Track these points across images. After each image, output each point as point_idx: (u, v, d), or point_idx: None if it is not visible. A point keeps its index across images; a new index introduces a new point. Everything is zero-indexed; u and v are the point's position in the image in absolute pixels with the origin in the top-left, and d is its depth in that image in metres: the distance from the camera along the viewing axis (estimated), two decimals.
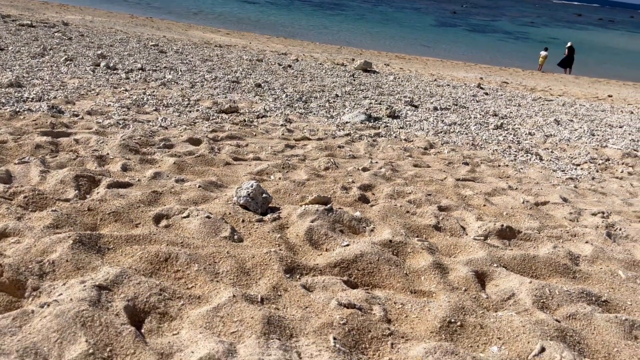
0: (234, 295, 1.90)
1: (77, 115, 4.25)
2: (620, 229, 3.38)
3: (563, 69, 22.77)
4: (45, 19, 11.52)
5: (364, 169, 4.08)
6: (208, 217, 2.52)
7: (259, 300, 1.96)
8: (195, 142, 3.91)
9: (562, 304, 2.26)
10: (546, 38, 33.43)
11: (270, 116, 5.69)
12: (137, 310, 1.76)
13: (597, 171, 5.17)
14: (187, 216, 2.54)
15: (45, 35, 9.06)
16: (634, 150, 6.42)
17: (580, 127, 7.72)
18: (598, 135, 7.26)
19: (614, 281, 2.56)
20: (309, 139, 4.91)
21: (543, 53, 22.58)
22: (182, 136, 3.94)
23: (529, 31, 41.53)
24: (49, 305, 1.64)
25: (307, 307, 1.97)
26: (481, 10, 63.81)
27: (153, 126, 4.15)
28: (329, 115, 6.20)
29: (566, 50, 22.61)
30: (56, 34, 9.70)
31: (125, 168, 3.09)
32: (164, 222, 2.49)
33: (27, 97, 4.72)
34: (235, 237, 2.46)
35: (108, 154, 3.28)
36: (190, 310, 1.83)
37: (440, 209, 3.36)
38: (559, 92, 13.94)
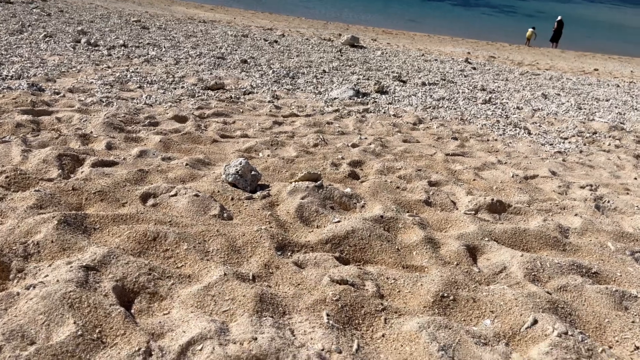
0: (225, 274, 1.87)
1: (58, 93, 4.15)
2: (608, 201, 3.39)
3: (552, 43, 22.78)
4: None
5: (353, 145, 4.05)
6: (196, 195, 2.48)
7: (251, 278, 1.94)
8: (181, 119, 3.84)
9: (553, 276, 2.26)
10: (533, 12, 33.32)
11: (257, 92, 5.61)
12: (126, 291, 1.73)
13: (585, 144, 5.18)
14: (175, 194, 2.49)
15: (23, 11, 8.82)
16: (621, 123, 6.45)
17: (568, 101, 7.73)
18: (585, 108, 7.27)
19: (603, 253, 2.57)
20: (297, 116, 4.86)
21: (530, 29, 22.58)
22: (167, 113, 3.87)
23: (516, 5, 41.37)
24: (34, 287, 1.60)
25: (299, 284, 1.95)
26: None
27: (137, 104, 4.07)
28: (316, 92, 6.14)
29: (555, 24, 22.57)
30: (34, 10, 9.45)
31: (110, 146, 3.03)
32: (151, 201, 2.45)
33: (6, 75, 4.60)
34: (225, 215, 2.42)
35: (92, 132, 3.21)
36: (180, 289, 1.80)
37: (431, 184, 3.34)
38: (546, 66, 13.94)
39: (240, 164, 2.76)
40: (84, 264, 1.77)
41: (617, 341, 1.88)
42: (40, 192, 2.29)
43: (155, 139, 3.24)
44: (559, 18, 22.56)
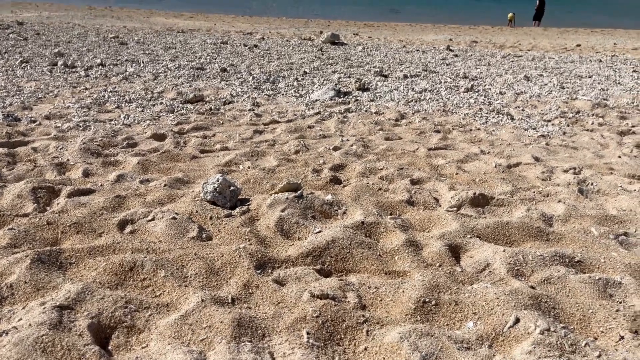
0: (202, 300, 1.85)
1: (34, 122, 4.11)
2: (592, 184, 3.38)
3: (534, 22, 22.79)
4: None
5: (335, 148, 4.03)
6: (174, 218, 2.46)
7: (230, 301, 1.92)
8: (160, 137, 3.82)
9: (536, 269, 2.25)
10: None
11: (237, 101, 5.59)
12: (102, 327, 1.71)
13: (568, 125, 5.18)
14: (153, 219, 2.47)
15: None
16: (604, 99, 6.45)
17: (550, 81, 7.73)
18: (568, 87, 7.27)
19: (586, 239, 2.56)
20: (278, 122, 4.84)
21: (510, 14, 22.60)
22: (145, 133, 3.84)
23: None
24: (7, 333, 1.59)
25: (279, 303, 1.94)
26: None
27: (115, 125, 4.04)
28: (297, 95, 6.12)
29: (537, 1, 22.55)
30: (11, 35, 9.40)
31: (86, 173, 3.00)
32: (129, 228, 2.43)
33: None
34: (204, 235, 2.40)
35: (68, 160, 3.19)
36: (158, 320, 1.78)
37: (413, 182, 3.33)
38: (528, 46, 13.94)
39: (218, 180, 2.74)
40: (58, 303, 1.75)
41: (602, 332, 1.87)
42: (14, 230, 2.27)
43: (133, 161, 3.22)
44: None
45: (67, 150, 3.35)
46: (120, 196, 2.71)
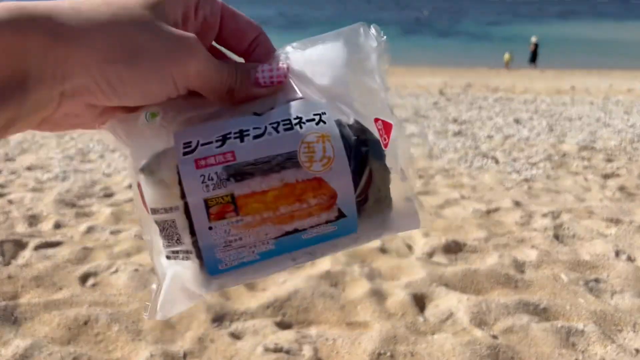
0: (151, 355, 1.83)
1: (14, 173, 4.16)
2: (568, 228, 3.36)
3: (531, 64, 22.96)
4: None
5: None
6: (136, 270, 2.46)
7: (182, 355, 1.90)
8: None
9: (499, 318, 2.22)
10: (510, 35, 34.00)
11: None
12: None
13: (553, 168, 5.18)
14: (116, 271, 2.47)
15: None
16: (591, 142, 6.48)
17: (540, 124, 7.79)
18: (556, 130, 7.32)
19: (555, 286, 2.53)
20: None
21: (507, 54, 22.85)
22: (124, 182, 3.88)
23: (493, 30, 42.25)
24: None
25: (232, 357, 1.91)
26: (443, 14, 64.86)
27: (95, 175, 4.09)
28: None
29: (532, 45, 22.83)
30: None
31: (58, 225, 3.02)
32: (91, 281, 2.42)
33: None
34: None
35: (42, 211, 3.21)
36: None
37: None
38: (522, 89, 14.12)
39: None
40: None
41: None
42: None
43: (107, 211, 3.24)
44: (535, 39, 22.90)
45: (42, 201, 3.38)
46: (87, 248, 2.71)
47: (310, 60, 0.49)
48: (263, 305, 2.26)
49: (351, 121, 0.48)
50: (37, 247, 2.71)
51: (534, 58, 22.86)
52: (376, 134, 0.49)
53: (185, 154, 0.44)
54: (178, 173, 0.43)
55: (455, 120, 7.95)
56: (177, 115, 0.46)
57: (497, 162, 5.39)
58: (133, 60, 0.40)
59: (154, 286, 0.48)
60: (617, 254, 2.96)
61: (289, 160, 0.44)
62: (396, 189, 0.50)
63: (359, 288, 2.45)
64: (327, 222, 0.46)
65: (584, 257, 2.92)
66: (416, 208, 0.53)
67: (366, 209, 0.48)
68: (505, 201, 3.99)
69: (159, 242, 0.47)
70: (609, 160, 5.50)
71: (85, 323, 2.03)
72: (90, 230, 2.96)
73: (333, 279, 2.53)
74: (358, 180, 0.47)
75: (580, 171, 5.08)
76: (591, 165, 5.29)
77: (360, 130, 0.48)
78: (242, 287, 2.44)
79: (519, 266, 2.79)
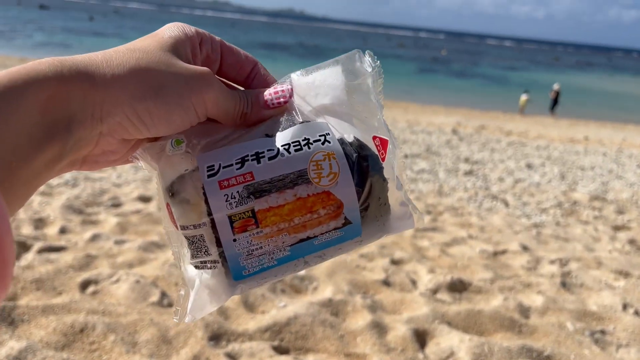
0: None
1: None
2: (575, 277, 3.31)
3: (551, 112, 22.72)
4: None
5: None
6: (137, 281, 2.43)
7: None
8: (146, 199, 3.85)
9: None
10: (526, 81, 34.18)
11: None
12: None
13: (563, 216, 5.14)
14: (117, 281, 2.45)
15: None
16: (603, 192, 6.44)
17: (551, 171, 7.76)
18: (568, 178, 7.29)
19: (560, 334, 2.48)
20: None
21: (523, 97, 22.71)
22: (133, 194, 3.88)
23: (509, 75, 42.52)
24: None
25: None
26: (461, 55, 65.48)
27: (105, 184, 4.09)
28: None
29: (553, 92, 22.59)
30: None
31: (63, 230, 3.01)
32: (91, 288, 2.40)
33: None
34: (165, 302, 2.36)
35: (49, 215, 3.21)
36: None
37: (393, 262, 3.28)
38: (535, 134, 14.13)
39: None
40: None
41: None
42: None
43: (113, 221, 3.23)
44: (556, 86, 22.61)
45: (50, 205, 3.38)
46: (91, 255, 2.70)
47: (312, 84, 0.56)
48: (261, 328, 2.23)
49: (351, 139, 0.54)
50: (41, 250, 2.69)
51: (554, 105, 22.69)
52: (374, 150, 0.55)
53: (209, 176, 0.50)
54: (204, 193, 0.49)
55: (467, 160, 7.94)
56: (199, 140, 0.52)
57: (506, 204, 5.36)
58: (159, 95, 0.46)
59: (181, 292, 0.54)
60: (625, 307, 2.90)
61: (301, 177, 0.51)
62: (393, 196, 0.57)
63: (360, 319, 2.41)
64: (335, 228, 0.53)
65: (591, 307, 2.87)
66: (410, 211, 0.59)
67: (368, 215, 0.54)
68: (513, 244, 3.94)
69: (187, 254, 0.53)
70: (620, 212, 5.45)
71: (82, 330, 2.00)
72: (95, 238, 2.95)
73: (334, 308, 2.49)
74: (361, 191, 0.53)
75: (590, 221, 5.03)
76: (602, 216, 5.24)
77: (360, 146, 0.54)
78: (242, 307, 2.41)
79: (524, 311, 2.74)
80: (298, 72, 0.57)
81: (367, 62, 0.58)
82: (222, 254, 0.50)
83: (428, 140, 9.76)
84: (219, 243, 0.50)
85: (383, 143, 0.57)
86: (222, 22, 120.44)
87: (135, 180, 4.40)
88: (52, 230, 2.98)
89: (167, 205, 0.52)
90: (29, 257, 2.61)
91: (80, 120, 0.42)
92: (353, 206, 0.52)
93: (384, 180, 0.55)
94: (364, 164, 0.53)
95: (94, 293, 2.37)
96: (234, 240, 0.50)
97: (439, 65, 45.21)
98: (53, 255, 2.65)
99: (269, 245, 0.51)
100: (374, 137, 0.56)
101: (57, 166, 0.43)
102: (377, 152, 0.56)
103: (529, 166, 8.02)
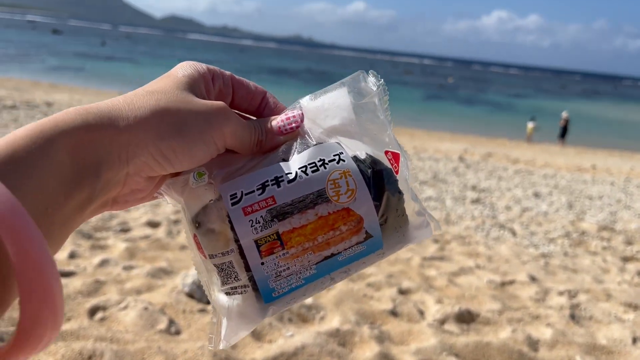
0: None
1: None
2: (585, 309, 3.28)
3: (560, 140, 22.60)
4: (30, 100, 11.75)
5: None
6: (146, 308, 2.44)
7: None
8: (155, 224, 3.87)
9: None
10: (533, 109, 34.27)
11: None
12: None
13: (571, 246, 5.11)
14: (125, 307, 2.45)
15: (25, 116, 9.21)
16: (611, 222, 6.41)
17: (559, 200, 7.74)
18: (576, 207, 7.26)
19: None
20: None
21: (530, 124, 22.70)
22: (141, 219, 3.90)
23: (516, 102, 42.68)
24: None
25: None
26: (468, 83, 65.90)
27: None
28: None
29: (563, 120, 22.48)
30: (37, 115, 9.87)
31: (72, 255, 3.03)
32: (99, 315, 2.40)
33: None
34: (173, 329, 2.36)
35: None
36: None
37: (400, 291, 3.27)
38: (542, 163, 14.12)
39: None
40: None
41: None
42: None
43: (122, 246, 3.25)
44: (565, 115, 22.52)
45: None
46: (99, 281, 2.71)
47: (321, 108, 0.58)
48: (269, 357, 2.22)
49: (364, 155, 0.56)
50: None
51: (563, 133, 22.59)
52: (387, 164, 0.57)
53: (233, 204, 0.51)
54: (230, 221, 0.51)
55: (473, 188, 7.94)
56: (219, 171, 0.54)
57: (514, 234, 5.34)
58: (181, 133, 0.48)
59: (213, 320, 0.56)
60: (635, 340, 2.87)
61: (320, 197, 0.52)
62: (409, 207, 0.59)
63: (367, 350, 2.40)
64: (357, 243, 0.54)
65: (601, 341, 2.84)
66: (427, 220, 0.61)
67: (388, 227, 0.56)
68: (521, 275, 3.92)
69: (216, 281, 0.55)
70: (629, 243, 5.41)
71: (90, 357, 2.00)
72: (103, 263, 2.97)
73: (342, 338, 2.48)
74: (379, 205, 0.55)
75: (599, 251, 5.00)
76: (610, 247, 5.20)
77: (373, 162, 0.56)
78: (249, 336, 2.40)
79: (533, 344, 2.71)
80: (306, 97, 0.59)
81: (371, 82, 0.60)
82: (251, 278, 0.52)
83: (435, 167, 9.78)
84: (247, 268, 0.51)
85: (395, 157, 0.59)
86: (231, 47, 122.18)
87: (144, 205, 4.43)
88: (61, 255, 3.00)
89: (194, 236, 0.54)
90: None
91: (108, 163, 0.44)
92: (373, 220, 0.54)
93: (400, 192, 0.57)
94: (379, 178, 0.55)
95: (102, 319, 2.37)
96: (262, 263, 0.51)
97: (445, 92, 45.48)
98: (62, 281, 2.65)
99: (295, 265, 0.52)
100: (386, 152, 0.58)
101: (87, 209, 0.45)
102: (390, 166, 0.57)
103: (537, 195, 8.00)
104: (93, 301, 2.49)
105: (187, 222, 0.55)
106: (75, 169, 0.42)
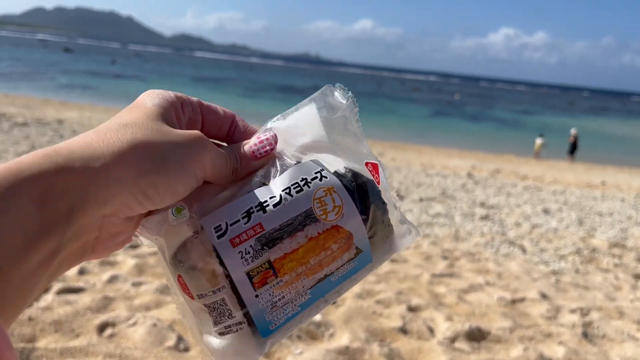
0: None
1: None
2: (597, 327, 3.24)
3: (570, 156, 22.52)
4: (41, 117, 11.88)
5: None
6: (155, 324, 2.43)
7: None
8: None
9: None
10: (540, 125, 34.21)
11: None
12: None
13: (582, 263, 5.06)
14: (134, 324, 2.45)
15: (37, 133, 9.31)
16: (622, 239, 6.35)
17: (569, 216, 7.68)
18: (586, 224, 7.21)
19: None
20: None
21: (539, 140, 22.64)
22: None
23: (524, 119, 42.62)
24: None
25: None
26: (475, 99, 65.97)
27: None
28: None
29: (572, 137, 22.43)
30: (48, 132, 9.97)
31: (82, 271, 3.04)
32: (109, 331, 2.40)
33: None
34: (181, 346, 2.35)
35: None
36: None
37: (410, 308, 3.25)
38: (551, 179, 14.05)
39: None
40: None
41: None
42: None
43: (131, 262, 3.25)
44: (574, 131, 22.48)
45: None
46: (108, 297, 2.71)
47: (292, 126, 0.57)
48: None
49: (343, 170, 0.55)
50: (60, 292, 2.71)
51: (573, 150, 22.51)
52: (368, 175, 0.56)
53: (219, 237, 0.48)
54: (218, 255, 0.48)
55: (482, 204, 7.90)
56: (198, 204, 0.51)
57: (524, 250, 5.30)
58: (162, 167, 0.45)
59: None
60: None
61: (308, 217, 0.51)
62: (392, 216, 0.58)
63: None
64: (349, 260, 0.53)
65: (614, 359, 2.80)
66: (410, 228, 0.61)
67: (376, 239, 0.55)
68: (531, 292, 3.88)
69: (207, 323, 0.51)
70: None
71: None
72: (112, 279, 2.97)
73: (351, 356, 2.46)
74: (366, 219, 0.54)
75: (610, 268, 4.95)
76: (622, 264, 5.15)
77: (354, 175, 0.55)
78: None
79: None
80: (275, 118, 0.57)
81: (340, 95, 0.59)
82: (246, 314, 0.49)
83: (443, 183, 9.75)
84: (241, 303, 0.48)
85: (375, 168, 0.58)
86: (240, 65, 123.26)
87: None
88: (71, 271, 3.00)
89: (179, 277, 0.50)
90: (48, 298, 2.63)
91: (83, 207, 0.40)
92: (362, 234, 0.53)
93: (384, 202, 0.56)
94: (363, 191, 0.54)
95: (111, 336, 2.37)
96: (257, 295, 0.48)
97: (452, 109, 45.51)
98: (72, 297, 2.67)
99: (290, 292, 0.50)
100: (367, 163, 0.58)
101: (54, 260, 0.40)
102: (372, 178, 0.56)
103: (546, 211, 7.95)
104: (102, 317, 2.48)
105: (168, 263, 0.51)
106: (42, 219, 0.38)
